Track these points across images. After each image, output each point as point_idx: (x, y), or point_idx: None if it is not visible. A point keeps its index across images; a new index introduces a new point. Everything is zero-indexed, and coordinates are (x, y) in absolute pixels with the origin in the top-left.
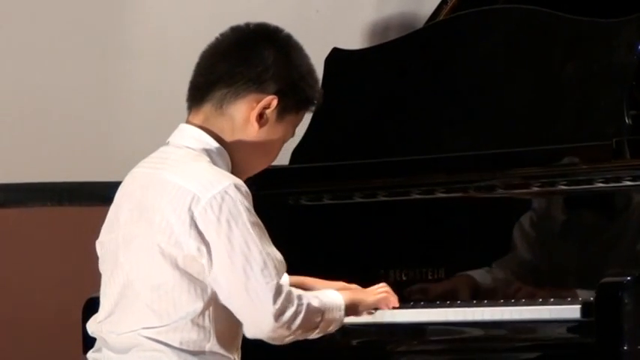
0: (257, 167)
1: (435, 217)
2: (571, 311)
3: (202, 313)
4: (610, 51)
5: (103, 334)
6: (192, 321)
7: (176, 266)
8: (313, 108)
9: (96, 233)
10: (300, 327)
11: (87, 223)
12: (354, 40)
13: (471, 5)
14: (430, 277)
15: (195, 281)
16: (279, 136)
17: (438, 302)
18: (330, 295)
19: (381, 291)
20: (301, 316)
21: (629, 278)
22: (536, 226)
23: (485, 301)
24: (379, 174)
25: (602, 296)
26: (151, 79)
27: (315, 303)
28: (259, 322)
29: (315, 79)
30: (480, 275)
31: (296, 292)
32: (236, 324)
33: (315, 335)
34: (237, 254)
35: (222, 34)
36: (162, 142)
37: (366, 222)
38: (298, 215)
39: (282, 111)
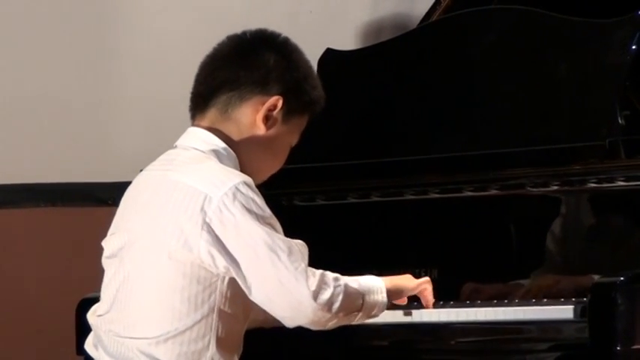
0: (265, 171)
1: (428, 217)
2: (564, 311)
3: (201, 322)
4: (603, 51)
5: (101, 332)
6: (191, 331)
7: (183, 273)
8: (317, 110)
9: (90, 234)
10: (341, 309)
11: (80, 224)
12: (347, 41)
13: (464, 6)
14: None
15: (198, 289)
16: (286, 139)
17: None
18: (369, 279)
19: (422, 281)
20: (340, 297)
21: (622, 279)
22: (529, 226)
23: (479, 302)
24: (373, 174)
25: (595, 296)
26: (146, 81)
27: (354, 285)
28: (299, 306)
29: (317, 81)
30: (473, 276)
31: (332, 274)
32: (236, 329)
33: (358, 320)
34: (261, 247)
35: (219, 44)
36: (157, 143)
37: (359, 223)
38: (292, 216)
39: (288, 113)
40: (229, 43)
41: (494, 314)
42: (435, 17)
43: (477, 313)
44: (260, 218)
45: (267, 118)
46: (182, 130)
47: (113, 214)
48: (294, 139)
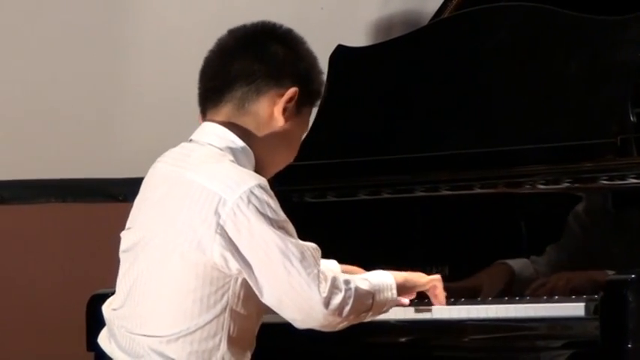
0: (280, 164)
1: (438, 214)
2: (575, 309)
3: (212, 322)
4: (614, 48)
5: (114, 327)
6: (202, 330)
7: (195, 274)
8: (319, 99)
9: (100, 230)
10: (351, 312)
11: (90, 219)
12: (358, 37)
13: (474, 3)
14: None
15: (210, 290)
16: (299, 130)
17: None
18: (380, 276)
19: (434, 278)
20: (351, 301)
21: (633, 276)
22: (540, 224)
23: (490, 299)
24: (383, 171)
25: (607, 294)
26: (154, 77)
27: (364, 286)
28: (310, 312)
29: (321, 70)
30: (481, 272)
31: (342, 277)
32: (249, 327)
33: (368, 318)
34: (274, 251)
35: (220, 38)
36: (167, 138)
37: (370, 219)
38: (302, 212)
39: (300, 104)
40: (233, 37)
41: (506, 311)
42: (445, 14)
43: (487, 310)
44: (274, 222)
45: (284, 110)
46: (192, 126)
47: (123, 210)
48: (305, 130)
